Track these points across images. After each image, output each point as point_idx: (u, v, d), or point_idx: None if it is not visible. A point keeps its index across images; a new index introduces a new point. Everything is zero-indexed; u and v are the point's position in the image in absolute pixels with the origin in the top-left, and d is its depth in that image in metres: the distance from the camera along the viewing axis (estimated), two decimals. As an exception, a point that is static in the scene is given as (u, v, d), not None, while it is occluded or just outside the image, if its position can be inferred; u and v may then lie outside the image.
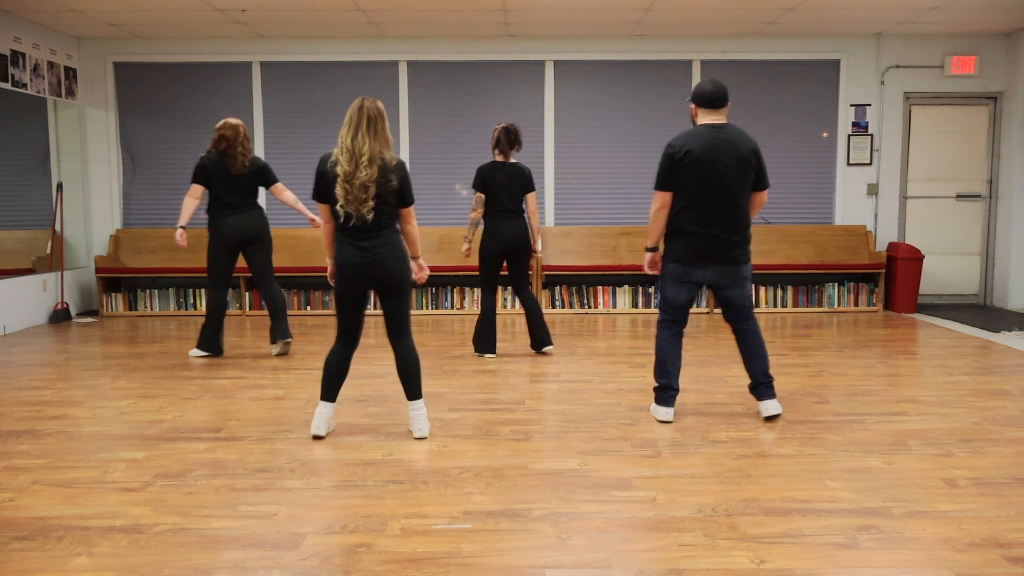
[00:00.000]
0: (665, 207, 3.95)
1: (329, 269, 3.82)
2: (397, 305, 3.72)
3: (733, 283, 3.98)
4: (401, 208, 3.69)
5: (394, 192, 3.60)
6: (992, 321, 7.01)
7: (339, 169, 3.53)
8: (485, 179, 5.42)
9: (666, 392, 4.02)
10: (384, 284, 3.66)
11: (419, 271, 3.90)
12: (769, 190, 4.09)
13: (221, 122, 5.46)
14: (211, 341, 5.64)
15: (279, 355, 5.74)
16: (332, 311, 7.34)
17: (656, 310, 7.62)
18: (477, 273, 7.37)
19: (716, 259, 3.91)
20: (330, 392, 3.77)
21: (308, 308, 7.78)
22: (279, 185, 5.66)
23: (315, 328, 6.95)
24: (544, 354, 5.71)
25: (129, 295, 7.79)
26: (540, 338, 5.67)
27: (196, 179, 5.45)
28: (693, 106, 3.98)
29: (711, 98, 3.91)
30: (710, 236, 3.88)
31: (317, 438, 3.75)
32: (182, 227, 5.48)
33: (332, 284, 3.76)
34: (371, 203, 3.53)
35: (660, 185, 3.93)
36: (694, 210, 3.87)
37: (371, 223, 3.58)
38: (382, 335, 6.58)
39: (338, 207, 3.55)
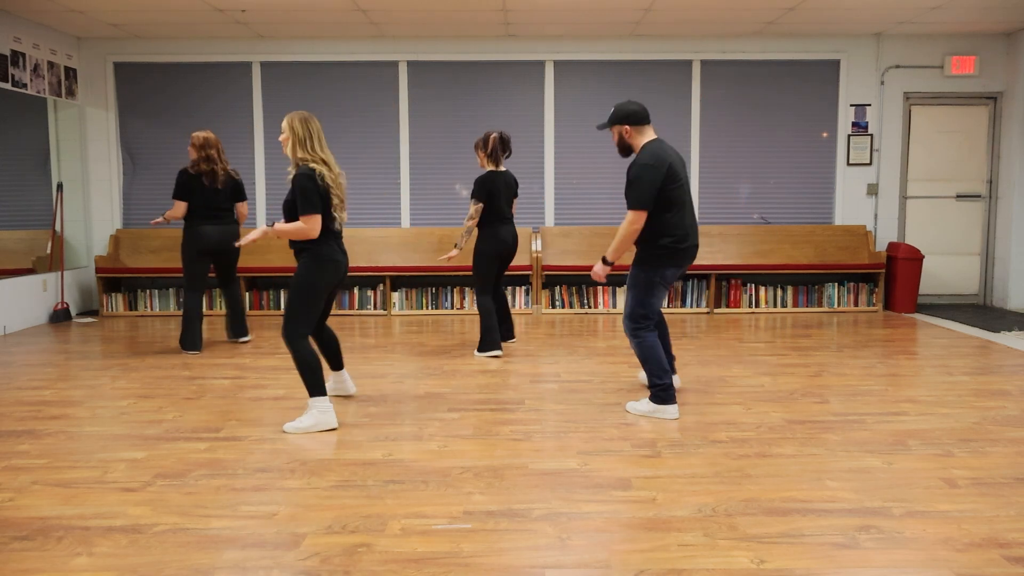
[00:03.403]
0: (641, 226, 4.00)
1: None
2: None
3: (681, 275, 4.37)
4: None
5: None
6: (992, 321, 7.01)
7: (328, 180, 3.82)
8: (489, 189, 5.51)
9: (670, 391, 4.07)
10: (344, 279, 4.08)
11: None
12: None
13: (204, 137, 5.71)
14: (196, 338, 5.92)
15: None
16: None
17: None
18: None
19: (692, 257, 4.17)
20: (324, 385, 3.95)
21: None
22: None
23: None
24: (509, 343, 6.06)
25: (129, 295, 7.79)
26: (509, 329, 6.02)
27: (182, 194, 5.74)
28: (627, 128, 4.04)
29: (645, 115, 4.07)
30: (691, 239, 4.08)
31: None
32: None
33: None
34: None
35: (646, 204, 3.93)
36: (678, 217, 4.01)
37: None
38: (381, 335, 6.59)
39: (336, 213, 3.88)
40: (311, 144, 3.81)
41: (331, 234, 3.88)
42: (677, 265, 4.08)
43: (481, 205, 5.50)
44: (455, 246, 5.55)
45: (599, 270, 4.18)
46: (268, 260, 7.76)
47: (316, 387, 3.88)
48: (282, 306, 7.69)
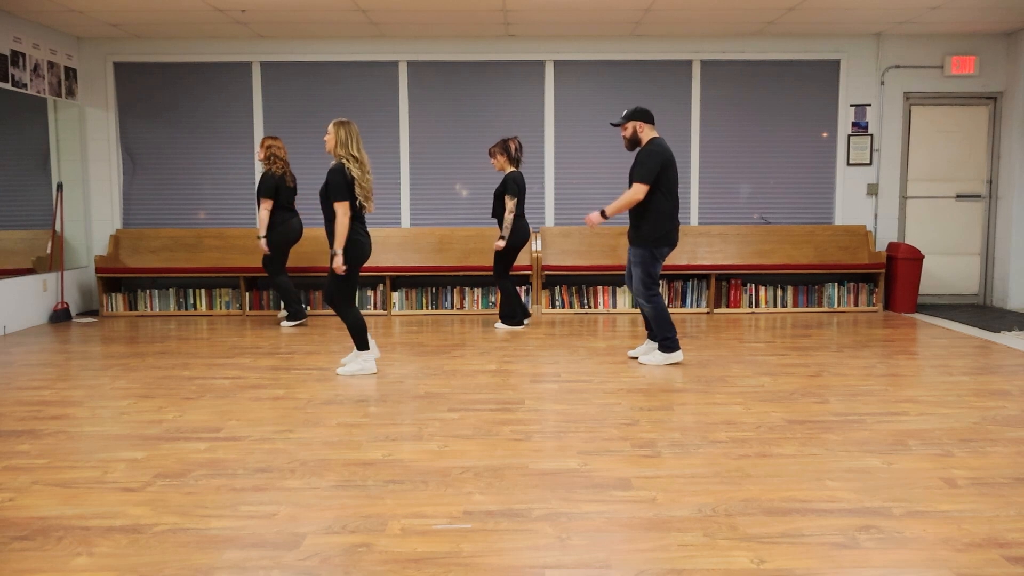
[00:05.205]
0: (641, 198, 5.00)
1: (341, 257, 4.75)
2: None
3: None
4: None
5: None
6: (992, 321, 7.01)
7: (355, 174, 4.69)
8: (521, 187, 6.38)
9: (675, 341, 5.17)
10: (368, 256, 4.94)
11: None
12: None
13: (273, 140, 6.75)
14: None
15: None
16: (329, 311, 7.30)
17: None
18: (476, 273, 7.55)
19: (677, 239, 5.18)
20: (368, 342, 5.04)
21: (307, 308, 7.75)
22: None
23: (315, 328, 6.95)
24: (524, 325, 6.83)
25: (129, 295, 7.79)
26: (525, 310, 6.84)
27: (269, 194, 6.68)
28: (638, 124, 5.04)
29: (653, 117, 5.12)
30: (676, 223, 5.13)
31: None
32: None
33: (344, 266, 4.77)
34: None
35: (648, 180, 4.95)
36: (670, 204, 5.04)
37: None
38: (382, 335, 6.59)
39: (360, 202, 4.76)
40: (350, 144, 4.69)
41: (355, 219, 4.76)
42: (670, 245, 5.13)
43: (516, 200, 6.29)
44: (501, 237, 6.39)
45: (595, 218, 5.09)
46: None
47: (363, 344, 4.99)
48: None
